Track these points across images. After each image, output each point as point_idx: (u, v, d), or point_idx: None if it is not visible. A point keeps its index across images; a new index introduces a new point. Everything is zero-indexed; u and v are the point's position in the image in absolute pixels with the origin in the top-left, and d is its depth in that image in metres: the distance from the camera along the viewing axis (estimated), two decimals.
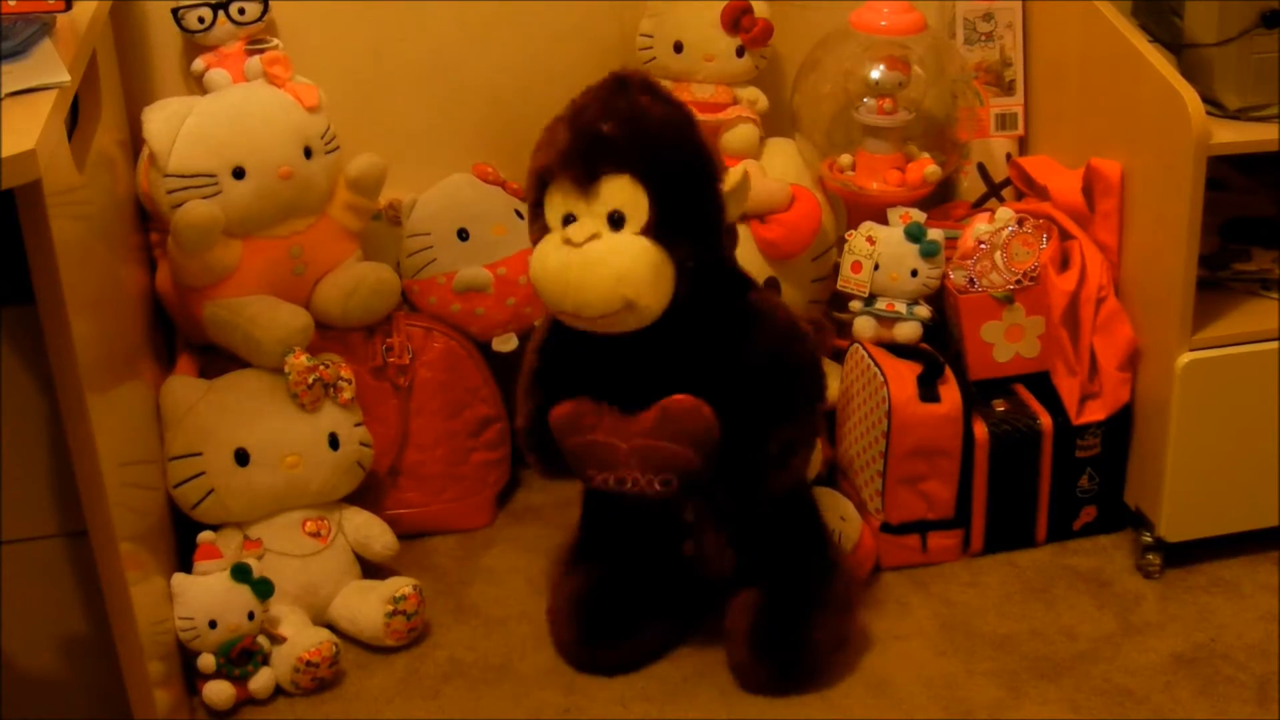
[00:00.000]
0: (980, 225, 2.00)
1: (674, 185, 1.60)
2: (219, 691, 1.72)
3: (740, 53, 2.05)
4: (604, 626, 1.79)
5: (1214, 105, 1.82)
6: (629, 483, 1.68)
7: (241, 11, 1.95)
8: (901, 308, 1.99)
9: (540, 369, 1.75)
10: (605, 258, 1.58)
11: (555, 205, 1.62)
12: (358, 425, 1.91)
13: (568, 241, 1.59)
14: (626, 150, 1.59)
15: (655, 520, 1.80)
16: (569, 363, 1.71)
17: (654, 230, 1.58)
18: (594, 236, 1.59)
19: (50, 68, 1.44)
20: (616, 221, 1.59)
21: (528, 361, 1.78)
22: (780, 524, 1.76)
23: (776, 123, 2.14)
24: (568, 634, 1.81)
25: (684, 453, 1.64)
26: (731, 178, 1.63)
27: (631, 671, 1.79)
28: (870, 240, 1.99)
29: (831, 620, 1.75)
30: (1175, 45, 1.89)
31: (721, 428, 1.64)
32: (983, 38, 2.21)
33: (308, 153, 1.89)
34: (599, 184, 1.59)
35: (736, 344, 1.67)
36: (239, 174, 1.84)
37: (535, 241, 1.66)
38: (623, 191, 1.58)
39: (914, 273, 1.98)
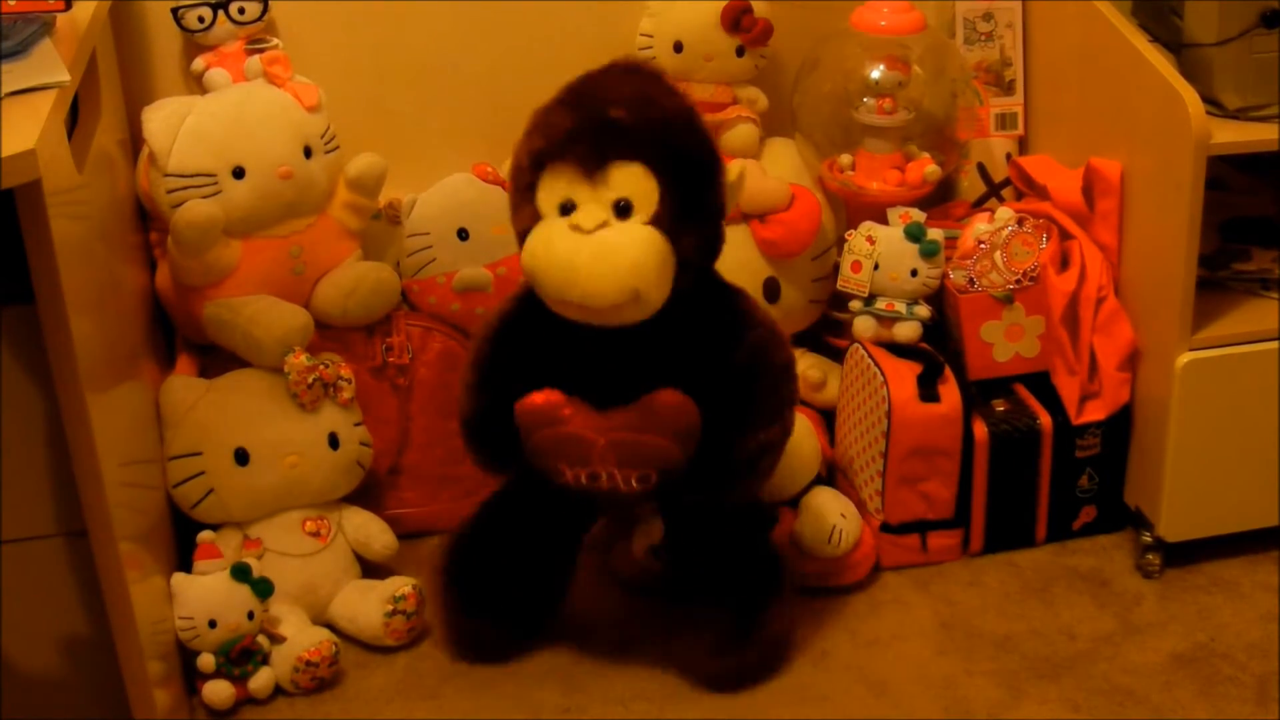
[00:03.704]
0: (980, 225, 2.00)
1: (685, 176, 1.57)
2: (219, 691, 1.72)
3: (740, 52, 2.05)
4: (483, 602, 1.78)
5: (1214, 105, 1.82)
6: (604, 478, 1.64)
7: (241, 11, 1.95)
8: (901, 307, 1.99)
9: (493, 359, 1.70)
10: (619, 247, 1.54)
11: (554, 191, 1.58)
12: (357, 425, 1.91)
13: (576, 228, 1.55)
14: (639, 138, 1.55)
15: (572, 511, 1.78)
16: (526, 353, 1.67)
17: (662, 221, 1.56)
18: (604, 224, 1.55)
19: (50, 67, 1.44)
20: (623, 210, 1.56)
21: (477, 351, 1.72)
22: (733, 546, 1.75)
23: (776, 123, 2.14)
24: (451, 610, 1.81)
25: (668, 447, 1.61)
26: (732, 170, 1.61)
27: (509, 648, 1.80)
28: (870, 240, 1.99)
29: (779, 625, 1.76)
30: (1175, 45, 1.89)
31: (701, 425, 1.62)
32: (983, 37, 2.21)
33: (308, 152, 1.89)
34: (607, 170, 1.55)
35: (722, 343, 1.64)
36: (239, 174, 1.84)
37: (523, 228, 1.61)
38: (633, 180, 1.55)
39: (914, 272, 1.98)
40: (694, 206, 1.58)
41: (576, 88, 1.60)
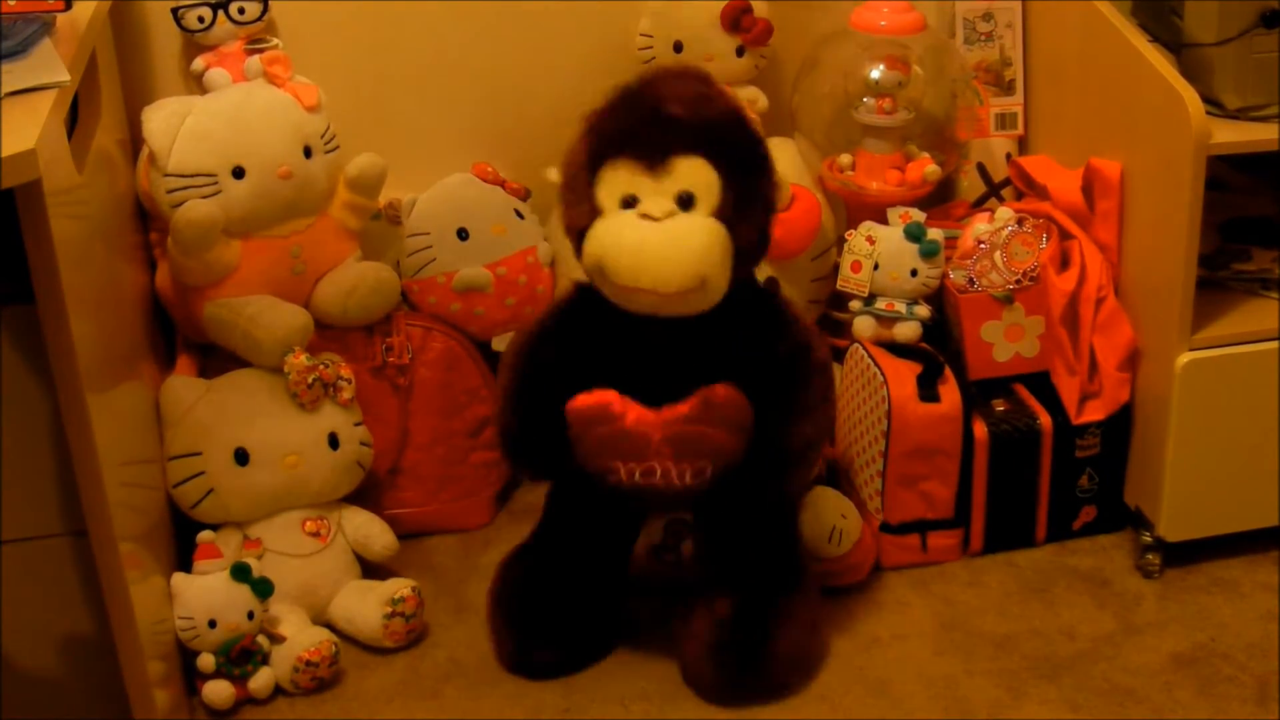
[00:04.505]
0: (980, 225, 2.00)
1: (741, 170, 1.61)
2: (219, 691, 1.72)
3: (740, 53, 2.05)
4: (542, 630, 1.77)
5: (1214, 105, 1.82)
6: (658, 474, 1.64)
7: (241, 11, 1.95)
8: (901, 307, 1.99)
9: (532, 369, 1.71)
10: (688, 234, 1.58)
11: (614, 186, 1.60)
12: (357, 425, 1.91)
13: (646, 217, 1.58)
14: (698, 132, 1.59)
15: (620, 524, 1.79)
16: (568, 360, 1.69)
17: (723, 213, 1.59)
18: (671, 213, 1.58)
19: (50, 67, 1.44)
20: (685, 202, 1.59)
21: (515, 362, 1.72)
22: (759, 532, 1.75)
23: (776, 123, 2.14)
24: (505, 638, 1.79)
25: (725, 439, 1.62)
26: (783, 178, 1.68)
27: (569, 673, 1.78)
28: (870, 240, 1.99)
29: (794, 635, 1.73)
30: (1175, 45, 1.89)
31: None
32: (982, 37, 2.21)
33: (307, 152, 1.89)
34: (670, 163, 1.58)
35: (766, 338, 1.68)
36: (239, 173, 1.84)
37: (580, 226, 1.62)
38: (696, 172, 1.59)
39: (914, 272, 1.98)
40: (750, 199, 1.62)
41: (629, 89, 1.63)
